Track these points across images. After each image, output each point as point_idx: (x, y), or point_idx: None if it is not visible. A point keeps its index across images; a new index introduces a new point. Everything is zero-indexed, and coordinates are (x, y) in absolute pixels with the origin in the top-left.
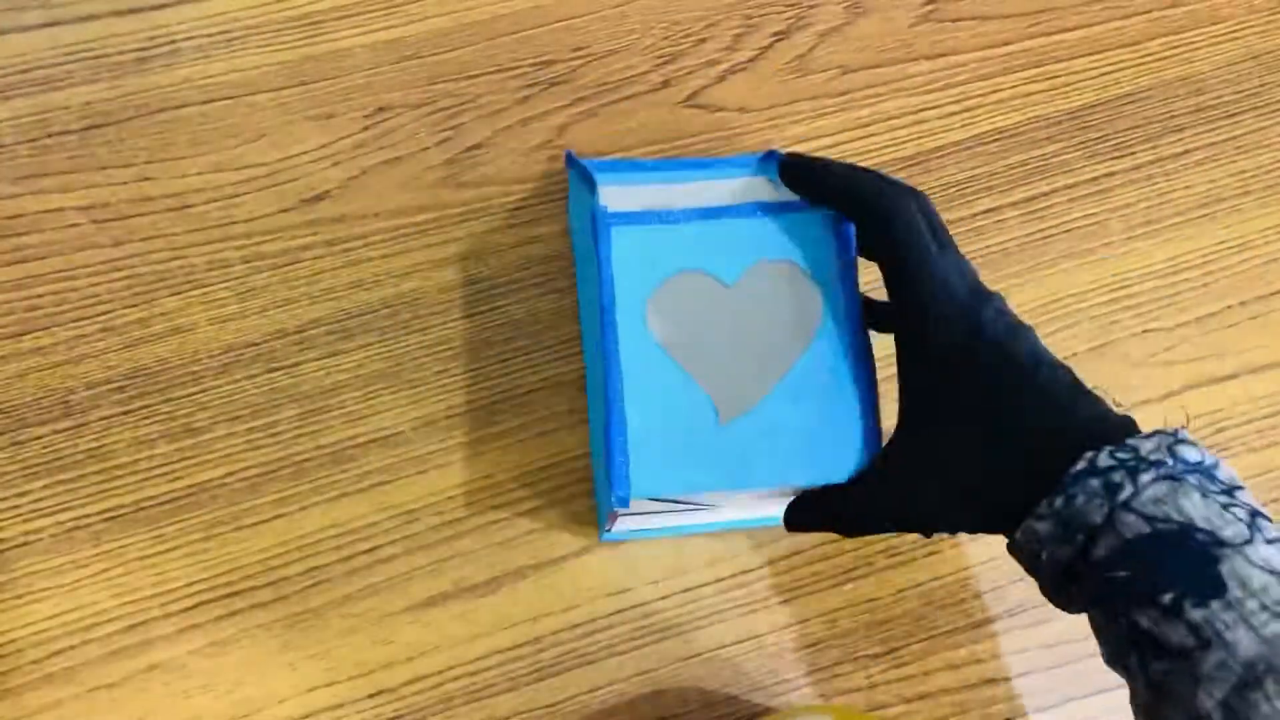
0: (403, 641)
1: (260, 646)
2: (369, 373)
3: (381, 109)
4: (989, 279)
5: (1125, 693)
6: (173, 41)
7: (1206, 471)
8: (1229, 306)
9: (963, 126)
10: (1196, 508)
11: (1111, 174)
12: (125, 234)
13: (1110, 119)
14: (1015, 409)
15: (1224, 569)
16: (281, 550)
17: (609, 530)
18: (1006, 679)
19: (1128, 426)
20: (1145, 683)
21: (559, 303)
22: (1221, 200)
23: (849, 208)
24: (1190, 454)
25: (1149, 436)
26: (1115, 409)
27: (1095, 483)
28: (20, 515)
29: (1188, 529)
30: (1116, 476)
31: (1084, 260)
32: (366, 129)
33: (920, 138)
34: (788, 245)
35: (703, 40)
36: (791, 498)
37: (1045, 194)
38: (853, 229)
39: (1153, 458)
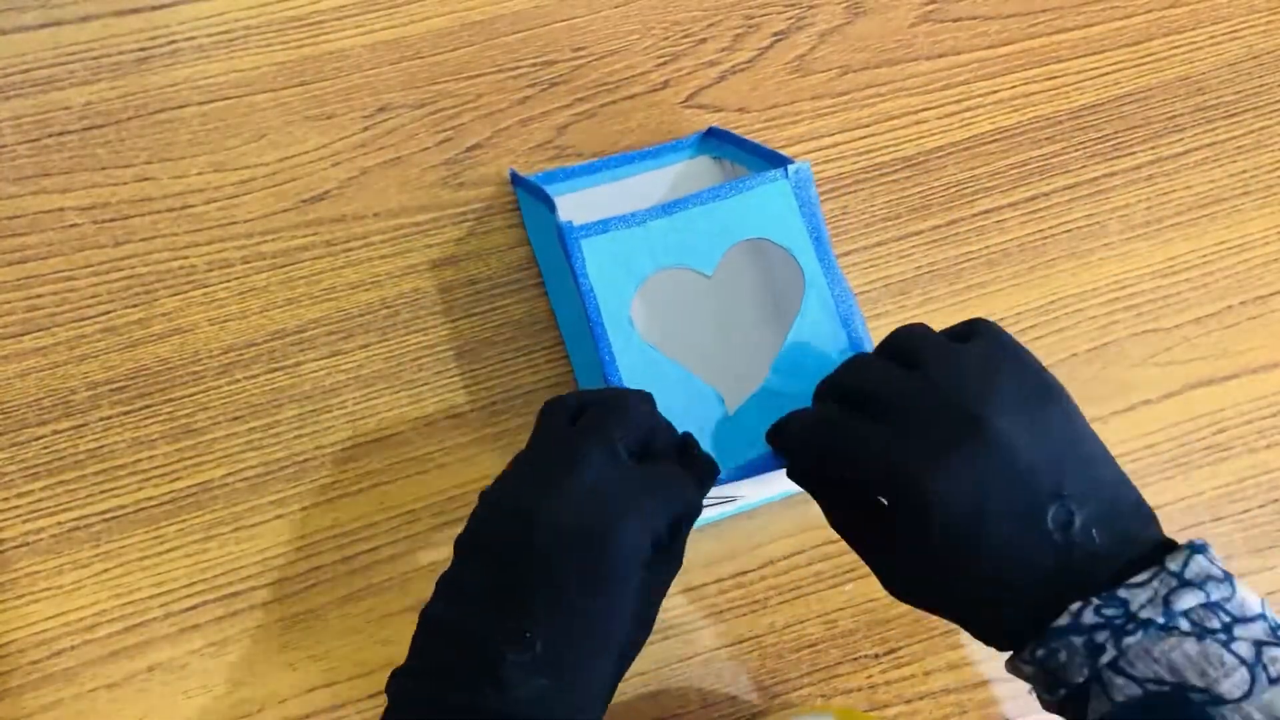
0: (403, 641)
1: (260, 646)
2: (369, 373)
3: (381, 109)
4: (989, 279)
5: None
6: (173, 41)
7: (1211, 607)
8: (1229, 306)
9: (963, 126)
10: (1191, 660)
11: (1111, 174)
12: (125, 234)
13: (1110, 119)
14: (997, 567)
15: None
16: (281, 550)
17: None
18: (1006, 679)
19: (1137, 559)
20: None
21: None
22: (1221, 200)
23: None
24: (1187, 600)
25: (1146, 582)
26: (1150, 530)
27: (1078, 640)
28: (20, 515)
29: (1181, 689)
30: (1100, 636)
31: (1084, 260)
32: (366, 129)
33: (920, 138)
34: (755, 222)
35: (703, 40)
36: None
37: (1045, 194)
38: (809, 188)
39: (1143, 615)
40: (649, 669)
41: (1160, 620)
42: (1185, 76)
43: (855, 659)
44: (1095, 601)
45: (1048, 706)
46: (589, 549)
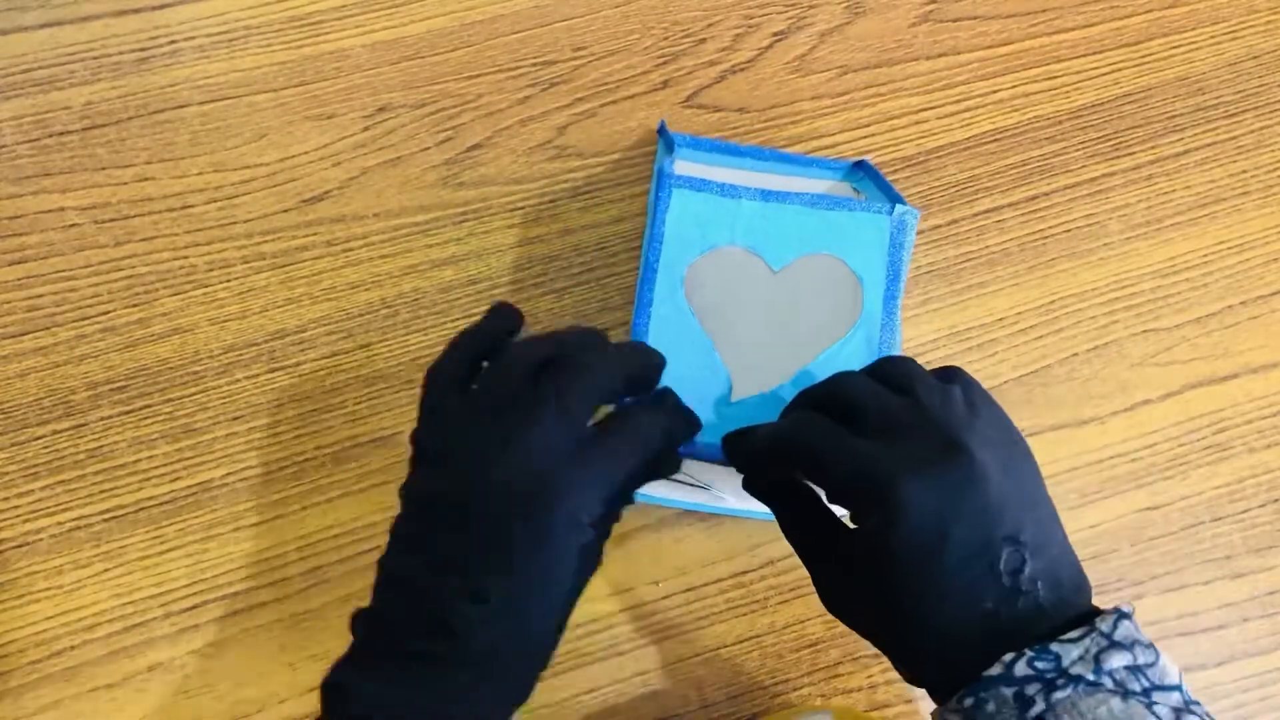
0: None
1: (260, 646)
2: (369, 373)
3: (381, 109)
4: (989, 279)
5: None
6: (173, 41)
7: (1135, 670)
8: (1229, 306)
9: (963, 126)
10: (1115, 717)
11: (1111, 174)
12: (125, 234)
13: (1110, 119)
14: (941, 592)
15: None
16: (281, 550)
17: None
18: None
19: (1072, 619)
20: None
21: (559, 303)
22: (1221, 200)
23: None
24: (1115, 661)
25: (1078, 639)
26: (1083, 597)
27: (1007, 691)
28: (21, 515)
29: None
30: (1030, 689)
31: (1084, 260)
32: (366, 129)
33: (920, 138)
34: (841, 242)
35: (703, 40)
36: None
37: (1045, 194)
38: (907, 234)
39: (1074, 671)
40: (649, 669)
41: (1090, 677)
42: (1185, 76)
43: (855, 659)
44: (1029, 653)
45: None
46: (534, 511)
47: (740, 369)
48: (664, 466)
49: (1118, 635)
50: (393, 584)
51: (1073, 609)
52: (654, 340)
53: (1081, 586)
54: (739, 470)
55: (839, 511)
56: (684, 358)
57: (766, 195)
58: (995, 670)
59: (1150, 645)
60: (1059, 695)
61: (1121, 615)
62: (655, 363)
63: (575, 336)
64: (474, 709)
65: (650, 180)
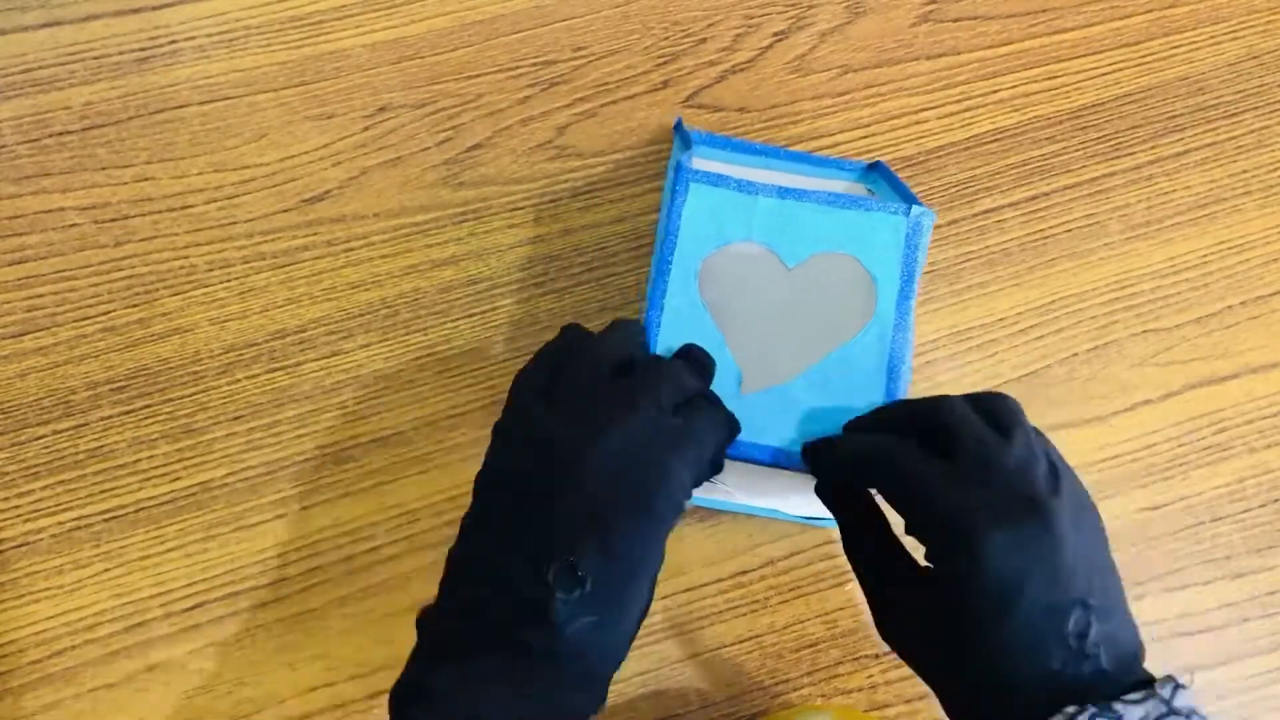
0: (404, 642)
1: (260, 646)
2: (369, 373)
3: (381, 109)
4: (989, 279)
5: None
6: (173, 41)
7: None
8: (1229, 306)
9: (963, 126)
10: None
11: (1111, 174)
12: (126, 234)
13: (1110, 119)
14: (1009, 647)
15: None
16: (281, 550)
17: None
18: None
19: (1130, 684)
20: None
21: (559, 303)
22: (1221, 200)
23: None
24: None
25: (1139, 701)
26: (1140, 663)
27: None
28: (21, 515)
29: None
30: None
31: (1084, 260)
32: (366, 129)
33: (920, 138)
34: (856, 241)
35: (703, 40)
36: (793, 491)
37: (1045, 194)
38: (923, 235)
39: None
40: (649, 669)
41: None
42: (1185, 76)
43: (855, 659)
44: (1092, 709)
45: None
46: (640, 492)
47: (751, 364)
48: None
49: (1177, 703)
50: (472, 574)
51: (1131, 675)
52: (665, 332)
53: (1138, 653)
54: (816, 477)
55: (907, 540)
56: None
57: (784, 193)
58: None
59: (1205, 719)
60: None
61: (1179, 686)
62: (711, 363)
63: (646, 351)
64: (573, 702)
65: (664, 176)
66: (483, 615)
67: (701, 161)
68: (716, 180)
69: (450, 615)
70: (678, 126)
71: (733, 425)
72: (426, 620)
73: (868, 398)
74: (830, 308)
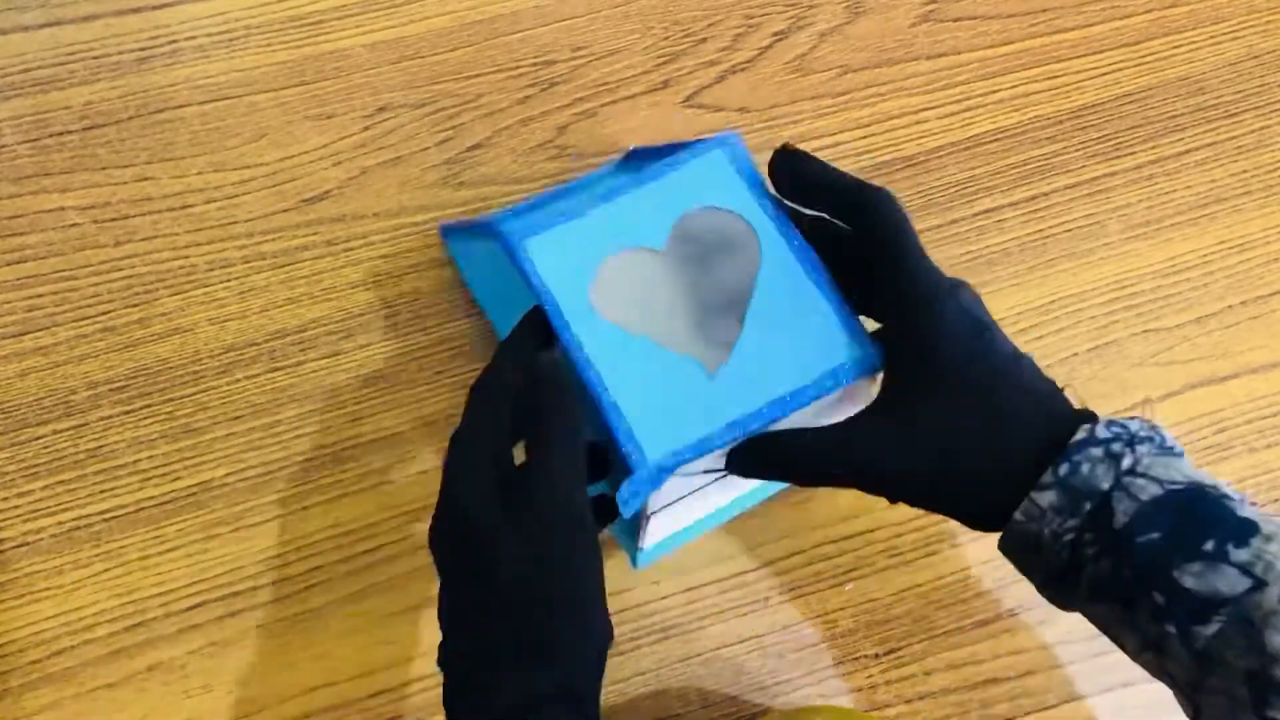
0: (404, 641)
1: (260, 646)
2: (369, 373)
3: (381, 109)
4: (989, 279)
5: (1125, 693)
6: (173, 41)
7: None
8: (1229, 306)
9: (963, 126)
10: (1196, 471)
11: (1111, 174)
12: (125, 234)
13: (1110, 119)
14: (1010, 391)
15: (1248, 511)
16: (281, 550)
17: (641, 546)
18: (1006, 679)
19: (1096, 416)
20: (1190, 655)
21: None
22: (1221, 200)
23: (844, 206)
24: (1169, 436)
25: (1131, 420)
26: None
27: (1097, 451)
28: (20, 515)
29: (1198, 486)
30: (1116, 446)
31: (1084, 260)
32: (366, 129)
33: (920, 138)
34: (695, 191)
35: (703, 40)
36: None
37: (1045, 194)
38: (743, 153)
39: (1142, 434)
40: (649, 669)
41: (1156, 439)
42: (1185, 76)
43: (855, 659)
44: (1104, 420)
45: (1053, 565)
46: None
47: (696, 346)
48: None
49: (1156, 423)
50: (462, 675)
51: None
52: (607, 375)
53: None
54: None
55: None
56: (644, 370)
57: (606, 196)
58: (1081, 435)
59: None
60: (1141, 449)
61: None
62: (531, 321)
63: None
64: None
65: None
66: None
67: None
68: (544, 224)
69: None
70: (445, 232)
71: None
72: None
73: (811, 303)
74: (720, 257)
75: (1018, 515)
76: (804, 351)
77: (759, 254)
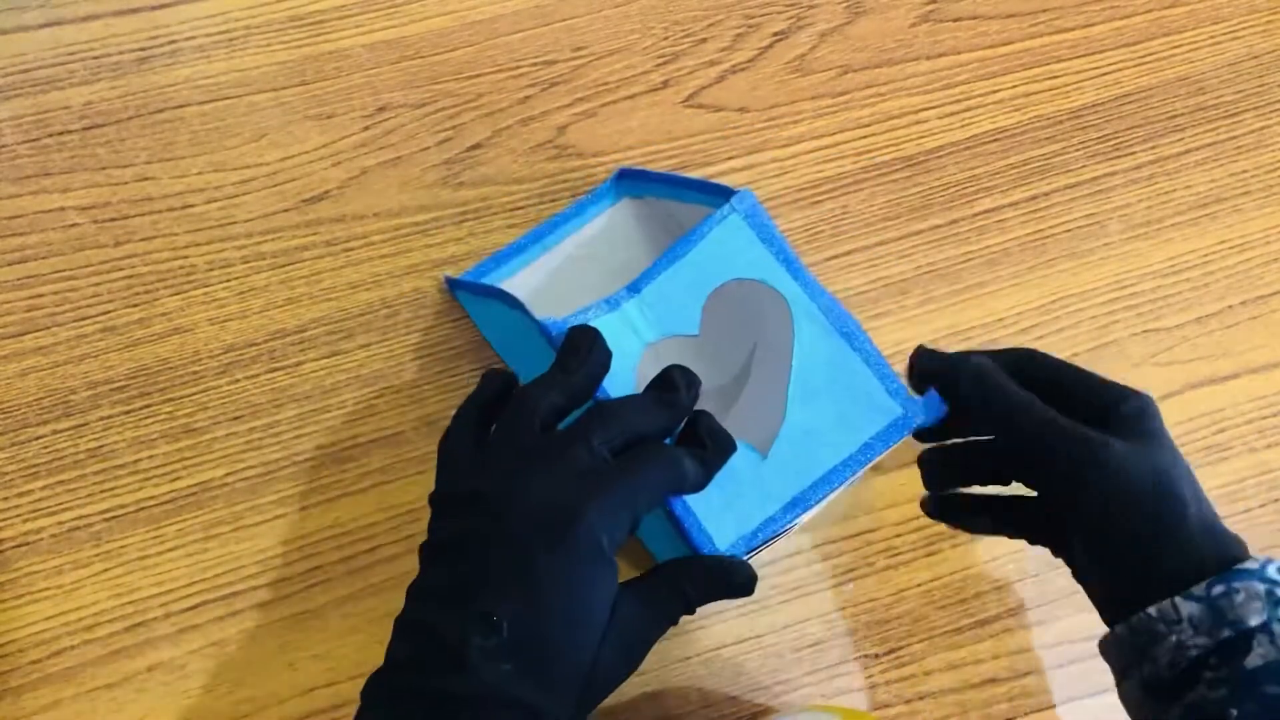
0: None
1: (260, 646)
2: (369, 373)
3: (381, 109)
4: (989, 279)
5: None
6: (173, 41)
7: None
8: (1229, 306)
9: (963, 126)
10: None
11: (1111, 174)
12: (125, 234)
13: (1110, 119)
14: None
15: None
16: (281, 550)
17: None
18: (1006, 679)
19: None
20: None
21: None
22: (1221, 200)
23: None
24: None
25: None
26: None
27: (1260, 586)
28: (20, 515)
29: None
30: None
31: (1084, 260)
32: (366, 129)
33: (920, 138)
34: (720, 266)
35: (703, 40)
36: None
37: (1045, 194)
38: (758, 210)
39: None
40: (649, 669)
41: None
42: (1185, 76)
43: (855, 659)
44: (1277, 562)
45: (1157, 676)
46: (555, 528)
47: (747, 430)
48: (734, 581)
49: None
50: (405, 631)
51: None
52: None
53: None
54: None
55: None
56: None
57: (633, 287)
58: (1250, 564)
59: None
60: None
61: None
62: (685, 381)
63: (582, 380)
64: None
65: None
66: (408, 668)
67: (509, 282)
68: (581, 318)
69: (382, 673)
70: (453, 285)
71: (674, 460)
72: (368, 683)
73: (848, 367)
74: (755, 332)
75: (1151, 611)
76: (849, 417)
77: (790, 320)
